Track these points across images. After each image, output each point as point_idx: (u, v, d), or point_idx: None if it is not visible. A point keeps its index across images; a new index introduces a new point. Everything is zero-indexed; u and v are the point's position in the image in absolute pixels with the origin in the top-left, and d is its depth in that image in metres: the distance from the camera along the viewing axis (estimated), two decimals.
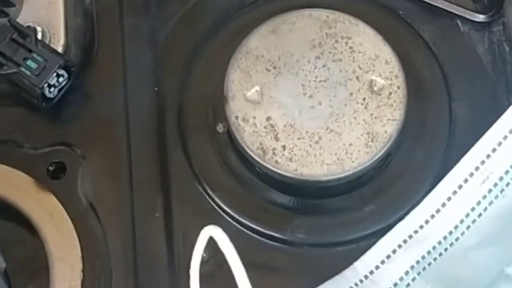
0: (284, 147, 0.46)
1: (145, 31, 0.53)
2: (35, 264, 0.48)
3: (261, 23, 0.50)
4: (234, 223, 0.48)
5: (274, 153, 0.46)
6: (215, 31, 0.53)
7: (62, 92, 0.50)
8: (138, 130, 0.51)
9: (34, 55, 0.49)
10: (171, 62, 0.53)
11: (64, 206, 0.48)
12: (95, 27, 0.54)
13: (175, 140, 0.50)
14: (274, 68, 0.48)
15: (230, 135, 0.48)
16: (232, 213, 0.48)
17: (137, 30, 0.53)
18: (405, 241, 0.46)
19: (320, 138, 0.46)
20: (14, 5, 0.52)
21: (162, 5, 0.54)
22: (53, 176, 0.49)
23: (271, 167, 0.46)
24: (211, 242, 0.45)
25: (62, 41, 0.52)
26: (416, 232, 0.46)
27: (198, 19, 0.54)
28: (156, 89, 0.52)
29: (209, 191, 0.49)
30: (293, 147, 0.46)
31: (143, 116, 0.51)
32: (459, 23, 0.52)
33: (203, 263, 0.46)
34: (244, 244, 0.45)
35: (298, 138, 0.46)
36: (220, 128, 0.50)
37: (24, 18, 0.52)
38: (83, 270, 0.47)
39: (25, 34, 0.49)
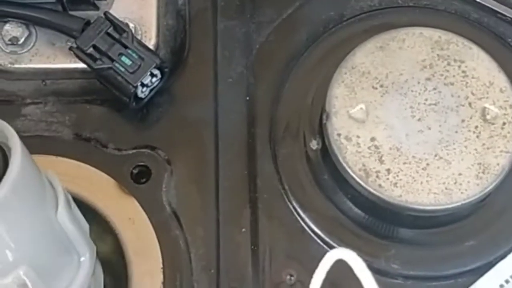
0: (388, 170, 0.43)
1: (239, 36, 0.51)
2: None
3: (362, 38, 0.48)
4: (324, 246, 0.45)
5: (377, 176, 0.43)
6: (312, 43, 0.51)
7: (152, 92, 0.48)
8: (227, 139, 0.48)
9: (130, 51, 0.47)
10: (265, 71, 0.50)
11: (146, 212, 0.46)
12: (187, 29, 0.52)
13: (265, 153, 0.48)
14: (381, 86, 0.45)
15: (325, 152, 0.46)
16: (322, 235, 0.46)
17: (230, 35, 0.51)
18: (507, 281, 0.43)
19: (428, 164, 0.43)
20: None
21: (258, 11, 0.52)
22: (136, 180, 0.47)
23: (373, 191, 0.43)
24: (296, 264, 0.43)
25: (153, 40, 0.50)
26: (507, 282, 0.43)
27: (295, 28, 0.51)
28: (247, 98, 0.50)
29: (299, 210, 0.46)
30: (398, 172, 0.43)
31: (233, 125, 0.49)
32: None
33: (290, 285, 0.44)
34: (334, 269, 0.43)
35: (404, 163, 0.43)
36: (314, 144, 0.47)
37: (115, 13, 0.49)
38: (163, 283, 0.44)
39: (121, 29, 0.47)
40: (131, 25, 0.50)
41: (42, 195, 0.37)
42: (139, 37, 0.50)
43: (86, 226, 0.41)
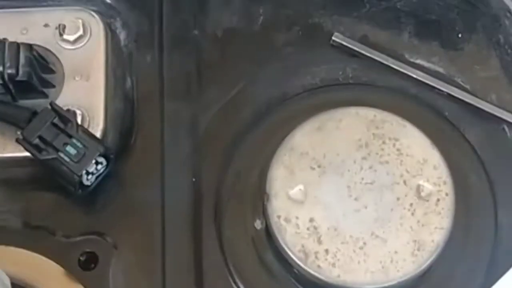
0: (327, 251, 0.45)
1: (186, 117, 0.52)
2: None
3: (304, 116, 0.49)
4: None
5: (316, 257, 0.44)
6: (256, 123, 0.52)
7: (99, 179, 0.49)
8: (173, 221, 0.49)
9: (74, 140, 0.48)
10: (210, 152, 0.51)
11: None
12: (134, 112, 0.53)
13: (210, 233, 0.49)
14: (319, 166, 0.47)
15: (269, 233, 0.47)
16: None
17: (177, 116, 0.52)
18: None
19: (364, 243, 0.44)
20: (54, 86, 0.52)
21: (204, 92, 0.53)
22: (84, 267, 0.48)
23: (312, 272, 0.44)
24: None
25: (101, 125, 0.51)
26: None
27: (239, 108, 0.53)
28: (194, 179, 0.51)
29: None
30: (336, 252, 0.44)
31: (179, 206, 0.50)
32: (506, 128, 0.51)
33: None
34: None
35: (342, 243, 0.45)
36: (258, 224, 0.49)
37: (63, 100, 0.51)
38: None
39: (66, 119, 0.49)
40: (78, 112, 0.51)
41: None
42: (87, 123, 0.51)
43: None
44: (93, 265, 0.48)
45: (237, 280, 0.47)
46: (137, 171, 0.51)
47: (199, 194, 0.50)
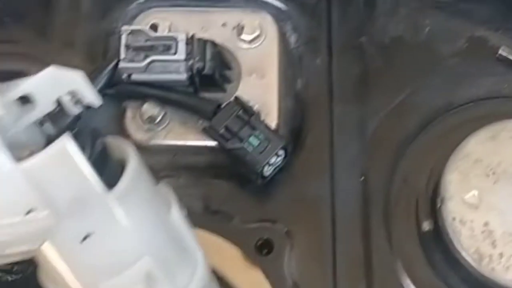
0: (501, 254, 0.46)
1: (354, 120, 0.55)
2: None
3: (472, 126, 0.51)
4: None
5: (490, 260, 0.46)
6: (423, 129, 0.54)
7: (276, 170, 0.52)
8: (343, 216, 0.52)
9: (258, 133, 0.51)
10: (379, 153, 0.54)
11: (270, 283, 0.49)
12: (304, 112, 0.56)
13: (379, 230, 0.51)
14: (493, 174, 0.49)
15: (438, 234, 0.49)
16: None
17: (346, 118, 0.55)
18: None
19: None
20: (231, 82, 0.55)
21: (371, 96, 0.56)
22: (260, 251, 0.51)
23: (486, 274, 0.46)
24: None
25: (274, 122, 0.54)
26: None
27: (405, 115, 0.55)
28: (362, 178, 0.53)
29: (412, 287, 0.49)
30: (510, 256, 0.46)
31: (349, 203, 0.52)
32: None
33: None
34: None
35: None
36: (426, 225, 0.51)
37: (240, 95, 0.54)
38: None
39: (250, 112, 0.52)
40: (255, 107, 0.54)
41: (157, 197, 0.39)
42: (262, 119, 0.54)
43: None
44: (268, 251, 0.51)
45: (405, 277, 0.50)
46: (308, 167, 0.54)
47: (367, 193, 0.53)
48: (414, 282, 0.49)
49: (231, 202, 0.52)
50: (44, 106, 0.37)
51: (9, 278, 0.50)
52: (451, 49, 0.57)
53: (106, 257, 0.37)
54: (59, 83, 0.36)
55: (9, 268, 0.51)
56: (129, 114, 0.54)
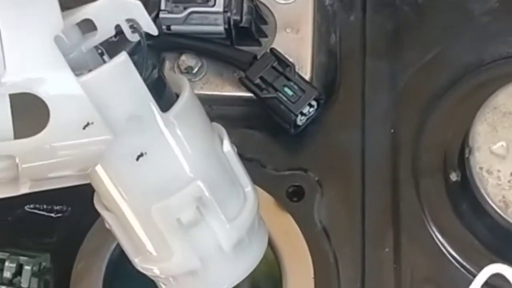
0: None
1: (385, 75, 0.56)
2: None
3: (501, 82, 0.52)
4: (462, 270, 0.50)
5: None
6: (453, 84, 0.55)
7: (308, 121, 0.54)
8: (372, 166, 0.53)
9: (292, 83, 0.53)
10: (409, 107, 0.55)
11: (300, 228, 0.51)
12: (338, 66, 0.58)
13: (408, 181, 0.53)
14: None
15: (465, 184, 0.50)
16: (460, 259, 0.50)
17: (377, 73, 0.57)
18: None
19: None
20: (266, 36, 0.57)
21: (403, 52, 0.57)
22: (291, 198, 0.53)
23: None
24: None
25: (308, 75, 0.56)
26: None
27: (436, 71, 0.56)
28: (392, 130, 0.55)
29: (438, 235, 0.51)
30: None
31: (378, 154, 0.54)
32: None
33: None
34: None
35: None
36: (453, 176, 0.52)
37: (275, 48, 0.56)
38: None
39: (285, 63, 0.53)
40: (290, 60, 0.56)
41: (210, 127, 0.41)
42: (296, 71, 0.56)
43: None
44: (298, 198, 0.53)
45: (432, 225, 0.51)
46: (339, 119, 0.56)
47: (397, 144, 0.54)
48: (440, 231, 0.51)
49: (265, 151, 0.54)
50: (104, 31, 0.38)
51: (53, 215, 0.53)
52: (482, 7, 0.58)
53: (159, 177, 0.38)
54: (118, 10, 0.38)
55: (50, 208, 0.53)
56: (167, 64, 0.56)
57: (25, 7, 0.34)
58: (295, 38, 0.57)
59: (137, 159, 0.37)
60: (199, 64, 0.56)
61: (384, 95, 0.56)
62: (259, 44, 0.57)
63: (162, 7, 0.54)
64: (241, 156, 0.54)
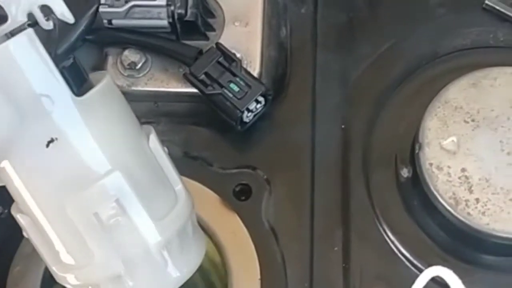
0: (477, 200, 0.46)
1: (337, 69, 0.55)
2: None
3: (454, 75, 0.51)
4: (412, 268, 0.48)
5: (467, 205, 0.46)
6: (406, 78, 0.54)
7: (256, 117, 0.52)
8: (322, 163, 0.52)
9: (238, 79, 0.51)
10: (360, 102, 0.54)
11: (247, 227, 0.49)
12: (288, 60, 0.56)
13: (358, 177, 0.51)
14: (473, 121, 0.48)
15: (416, 180, 0.49)
16: (410, 257, 0.48)
17: (328, 66, 0.55)
18: None
19: None
20: (214, 30, 0.55)
21: (355, 46, 0.55)
22: (238, 197, 0.51)
23: (462, 219, 0.46)
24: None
25: (257, 70, 0.54)
26: None
27: (389, 64, 0.55)
28: (343, 126, 0.53)
29: (389, 233, 0.49)
30: (486, 201, 0.46)
31: (328, 150, 0.52)
32: None
33: None
34: None
35: (493, 193, 0.46)
36: (404, 172, 0.50)
37: (223, 43, 0.54)
38: None
39: (231, 58, 0.52)
40: (237, 55, 0.54)
41: (133, 120, 0.39)
42: (244, 66, 0.54)
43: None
44: (245, 197, 0.51)
45: (382, 223, 0.50)
46: (289, 114, 0.54)
47: (347, 140, 0.53)
48: (391, 229, 0.49)
49: (211, 148, 0.53)
50: (16, 18, 0.36)
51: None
52: None
53: (73, 167, 0.36)
54: None
55: None
56: (110, 60, 0.54)
57: None
58: (244, 31, 0.55)
59: (47, 145, 0.35)
60: (143, 60, 0.54)
61: (336, 90, 0.54)
62: (207, 38, 0.55)
63: (103, 0, 0.52)
64: (187, 154, 0.53)
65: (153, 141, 0.39)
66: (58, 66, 0.35)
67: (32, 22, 0.36)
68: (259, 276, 0.48)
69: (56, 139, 0.35)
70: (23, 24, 0.36)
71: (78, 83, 0.36)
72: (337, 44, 0.56)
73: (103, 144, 0.36)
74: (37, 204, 0.36)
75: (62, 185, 0.36)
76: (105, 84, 0.37)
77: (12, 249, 0.49)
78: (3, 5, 0.36)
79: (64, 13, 0.37)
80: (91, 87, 0.37)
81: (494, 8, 0.55)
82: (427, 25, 0.55)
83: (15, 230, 0.49)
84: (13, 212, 0.38)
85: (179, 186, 0.40)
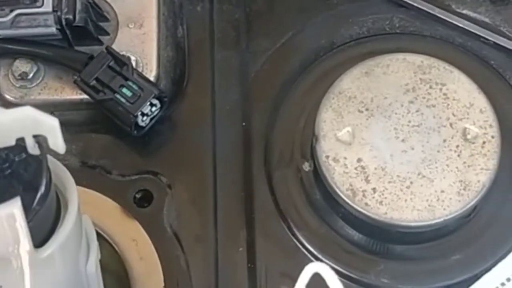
0: (374, 189, 0.46)
1: (235, 65, 0.54)
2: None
3: (351, 65, 0.50)
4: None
5: (364, 195, 0.46)
6: (304, 70, 0.53)
7: (153, 121, 0.51)
8: (224, 163, 0.51)
9: (130, 83, 0.50)
10: (260, 98, 0.53)
11: (149, 234, 0.48)
12: (186, 60, 0.55)
13: (260, 176, 0.50)
14: (367, 110, 0.48)
15: (317, 174, 0.48)
16: (315, 252, 0.48)
17: (227, 64, 0.54)
18: (503, 284, 0.45)
19: (411, 183, 0.46)
20: (108, 34, 0.54)
21: (253, 41, 0.55)
22: (139, 204, 0.50)
23: (360, 209, 0.46)
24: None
25: (154, 72, 0.53)
26: (503, 284, 0.45)
27: (288, 57, 0.54)
28: (243, 124, 0.52)
29: (293, 229, 0.49)
30: (383, 191, 0.46)
31: (230, 149, 0.52)
32: None
33: None
34: (326, 285, 0.45)
35: (389, 182, 0.46)
36: (306, 166, 0.50)
37: (117, 47, 0.53)
38: None
39: (122, 62, 0.50)
40: (132, 58, 0.53)
41: (79, 247, 0.38)
42: (140, 69, 0.53)
43: None
44: (147, 203, 0.50)
45: (286, 219, 0.49)
46: (189, 115, 0.53)
47: (249, 138, 0.52)
48: (295, 225, 0.49)
49: (109, 156, 0.51)
50: (4, 140, 0.34)
51: None
52: None
53: None
54: (30, 126, 0.34)
55: None
56: (1, 71, 0.52)
57: None
58: (138, 33, 0.54)
59: None
60: (35, 69, 0.52)
61: (235, 87, 0.54)
62: (100, 42, 0.53)
63: None
64: (85, 163, 0.52)
65: (91, 266, 0.39)
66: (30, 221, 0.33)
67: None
68: (163, 284, 0.47)
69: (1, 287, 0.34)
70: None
71: (43, 233, 0.35)
72: (235, 40, 0.55)
73: None
74: None
75: None
76: (69, 230, 0.35)
77: None
78: None
79: (59, 145, 0.35)
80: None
81: None
82: (323, 16, 0.55)
83: None
84: None
85: None
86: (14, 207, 0.32)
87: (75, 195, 0.37)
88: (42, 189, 0.35)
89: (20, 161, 0.35)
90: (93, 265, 0.39)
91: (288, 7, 0.56)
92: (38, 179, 0.35)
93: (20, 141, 0.35)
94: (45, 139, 0.35)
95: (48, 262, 0.35)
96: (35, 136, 0.35)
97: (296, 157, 0.50)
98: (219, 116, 0.53)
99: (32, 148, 0.35)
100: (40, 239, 0.35)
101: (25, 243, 0.34)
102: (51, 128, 0.34)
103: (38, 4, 0.50)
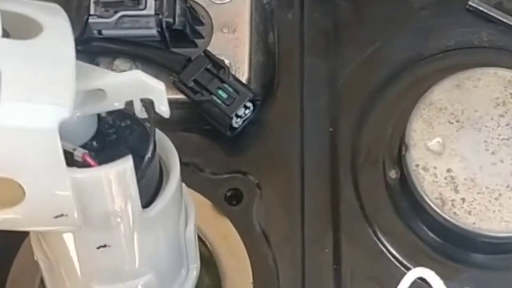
0: (463, 199, 0.47)
1: (324, 72, 0.56)
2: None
3: (439, 76, 0.52)
4: (401, 268, 0.49)
5: (453, 205, 0.47)
6: (392, 80, 0.55)
7: (245, 123, 0.53)
8: (311, 166, 0.53)
9: (226, 86, 0.52)
10: (347, 104, 0.55)
11: (238, 232, 0.50)
12: (276, 65, 0.57)
13: (347, 180, 0.52)
14: (457, 121, 0.49)
15: (404, 181, 0.50)
16: (400, 257, 0.49)
17: (316, 71, 0.56)
18: None
19: (500, 195, 0.47)
20: (203, 37, 0.56)
21: (341, 49, 0.56)
22: (229, 202, 0.52)
23: (449, 218, 0.47)
24: None
25: (245, 75, 0.55)
26: None
27: (376, 66, 0.56)
28: (331, 129, 0.54)
29: (379, 234, 0.50)
30: (472, 201, 0.47)
31: (317, 153, 0.53)
32: None
33: None
34: None
35: (478, 193, 0.47)
36: (392, 174, 0.51)
37: (212, 50, 0.55)
38: None
39: (219, 65, 0.52)
40: (226, 61, 0.55)
41: (179, 214, 0.40)
42: (233, 72, 0.55)
43: None
44: (237, 202, 0.52)
45: (372, 224, 0.50)
46: (278, 119, 0.55)
47: (336, 143, 0.53)
48: (380, 229, 0.50)
49: (202, 154, 0.53)
50: (113, 103, 0.35)
51: None
52: (422, 0, 0.57)
53: (113, 267, 0.37)
54: (138, 89, 0.35)
55: None
56: None
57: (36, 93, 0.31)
58: (232, 38, 0.56)
59: (98, 248, 0.35)
60: (134, 68, 0.55)
61: (323, 93, 0.55)
62: (195, 45, 0.55)
63: (92, 11, 0.52)
64: (179, 160, 0.54)
65: (190, 231, 0.40)
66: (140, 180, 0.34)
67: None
68: (251, 280, 0.49)
69: (108, 246, 0.36)
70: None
71: (150, 192, 0.36)
72: (324, 48, 0.57)
73: (149, 251, 0.37)
74: (66, 274, 0.37)
75: (98, 274, 0.37)
76: (172, 193, 0.37)
77: (12, 251, 0.50)
78: (107, 90, 0.34)
79: (164, 110, 0.35)
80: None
81: (477, 9, 0.56)
82: (412, 27, 0.56)
83: (14, 234, 0.50)
84: (36, 251, 0.39)
85: (194, 265, 0.42)
86: (126, 165, 0.33)
87: (177, 161, 0.38)
88: (150, 150, 0.35)
89: (125, 127, 0.36)
90: (192, 232, 0.41)
91: (377, 17, 0.57)
92: (145, 142, 0.36)
93: (128, 105, 0.35)
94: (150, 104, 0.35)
95: (153, 222, 0.36)
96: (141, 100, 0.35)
97: (383, 164, 0.52)
98: (307, 120, 0.54)
99: (139, 111, 0.36)
100: (145, 201, 0.36)
101: (135, 202, 0.34)
102: (159, 92, 0.35)
103: (141, 6, 0.53)
